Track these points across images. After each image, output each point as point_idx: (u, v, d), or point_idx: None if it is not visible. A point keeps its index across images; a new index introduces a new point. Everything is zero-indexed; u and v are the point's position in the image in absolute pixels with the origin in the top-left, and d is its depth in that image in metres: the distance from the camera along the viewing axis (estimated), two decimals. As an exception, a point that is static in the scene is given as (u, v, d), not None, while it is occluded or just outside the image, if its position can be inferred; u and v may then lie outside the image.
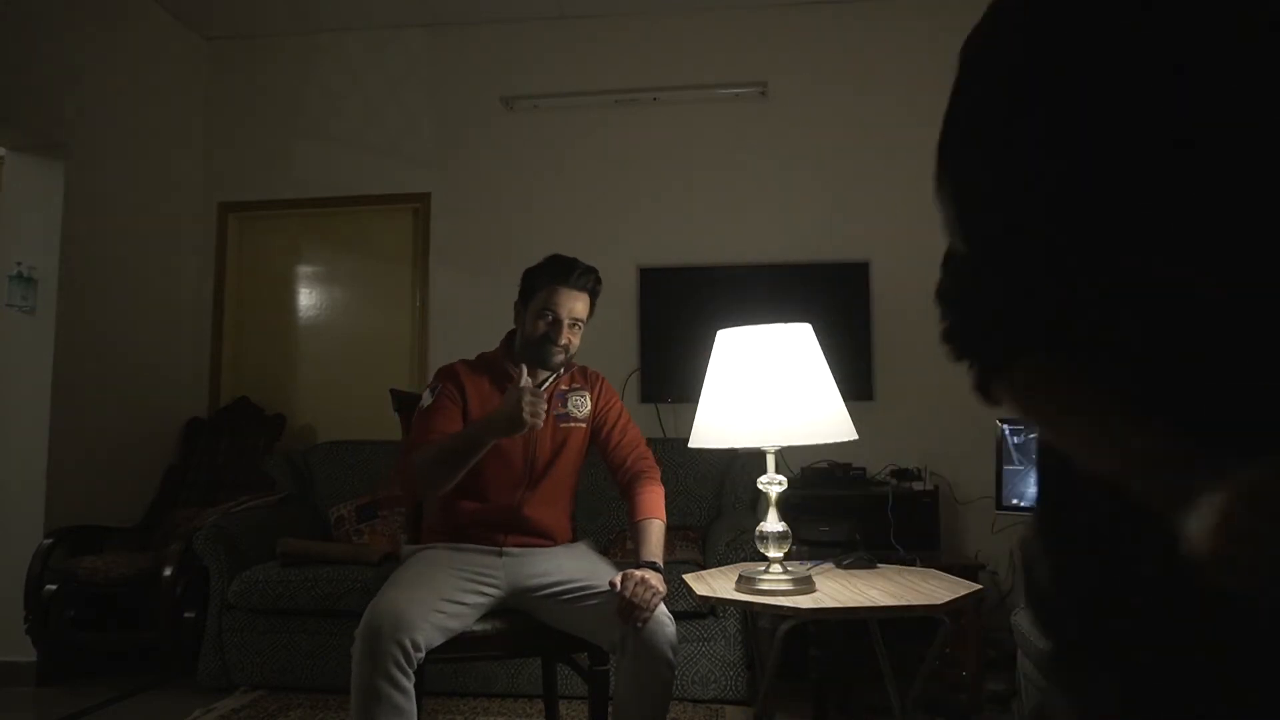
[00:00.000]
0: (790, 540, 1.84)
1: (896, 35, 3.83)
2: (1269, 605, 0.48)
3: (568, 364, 2.05)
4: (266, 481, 3.53)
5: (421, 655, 1.65)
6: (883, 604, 1.66)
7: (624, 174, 3.92)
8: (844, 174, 3.79)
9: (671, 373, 3.65)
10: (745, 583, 1.80)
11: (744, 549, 2.62)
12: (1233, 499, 0.47)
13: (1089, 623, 0.64)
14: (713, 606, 2.70)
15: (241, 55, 4.22)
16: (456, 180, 4.01)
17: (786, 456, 3.22)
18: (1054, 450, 0.68)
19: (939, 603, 1.66)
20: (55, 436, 3.23)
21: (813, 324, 1.90)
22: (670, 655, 1.71)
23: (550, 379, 2.03)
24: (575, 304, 1.95)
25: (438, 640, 1.71)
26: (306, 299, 4.15)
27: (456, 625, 1.76)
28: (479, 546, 1.93)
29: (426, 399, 1.97)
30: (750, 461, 3.10)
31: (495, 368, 2.04)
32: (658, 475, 2.02)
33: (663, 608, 1.75)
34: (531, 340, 1.96)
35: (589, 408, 2.05)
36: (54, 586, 3.05)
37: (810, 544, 2.93)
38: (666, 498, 2.02)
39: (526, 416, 1.69)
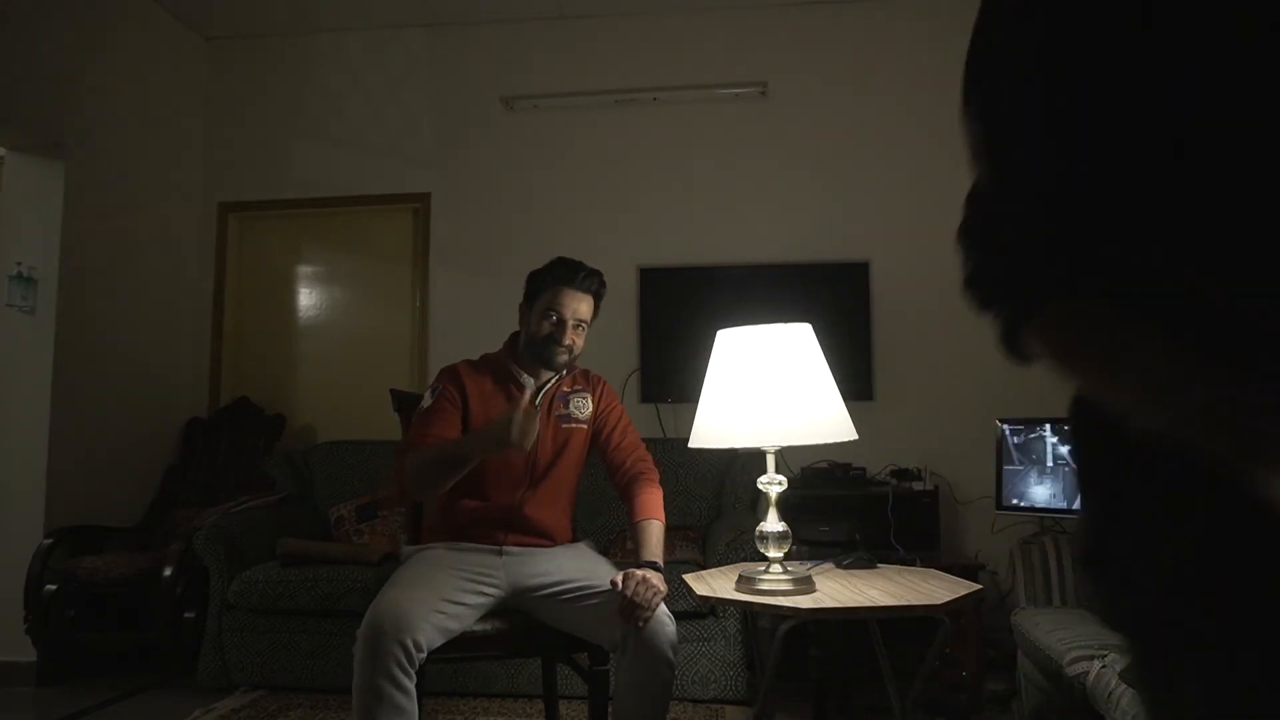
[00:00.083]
0: (790, 540, 1.84)
1: (896, 35, 3.83)
2: None
3: (571, 365, 2.06)
4: (266, 481, 3.53)
5: (423, 655, 1.66)
6: (883, 604, 1.66)
7: (624, 174, 3.92)
8: (844, 174, 3.79)
9: (671, 373, 3.66)
10: (745, 583, 1.80)
11: (744, 549, 2.62)
12: None
13: (1175, 614, 0.55)
14: (713, 606, 2.70)
15: (241, 55, 4.22)
16: (456, 180, 4.01)
17: (786, 456, 3.22)
18: (1095, 415, 0.59)
19: (939, 603, 1.66)
20: (55, 436, 3.23)
21: (813, 324, 1.90)
22: (670, 655, 1.72)
23: (553, 380, 2.04)
24: (580, 305, 1.97)
25: (438, 641, 1.71)
26: (306, 299, 4.15)
27: (456, 626, 1.76)
28: (479, 546, 1.93)
29: (426, 400, 1.98)
30: (750, 461, 3.10)
31: (499, 368, 2.05)
32: (657, 477, 2.03)
33: (663, 607, 1.75)
34: (536, 340, 1.97)
35: (591, 409, 2.06)
36: (54, 586, 3.05)
37: (810, 544, 2.93)
38: (666, 498, 2.02)
39: (515, 437, 1.68)
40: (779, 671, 2.04)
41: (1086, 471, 0.64)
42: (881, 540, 3.02)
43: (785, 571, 1.80)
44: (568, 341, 1.96)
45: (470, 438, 1.83)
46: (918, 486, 3.28)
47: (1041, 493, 2.94)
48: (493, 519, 1.95)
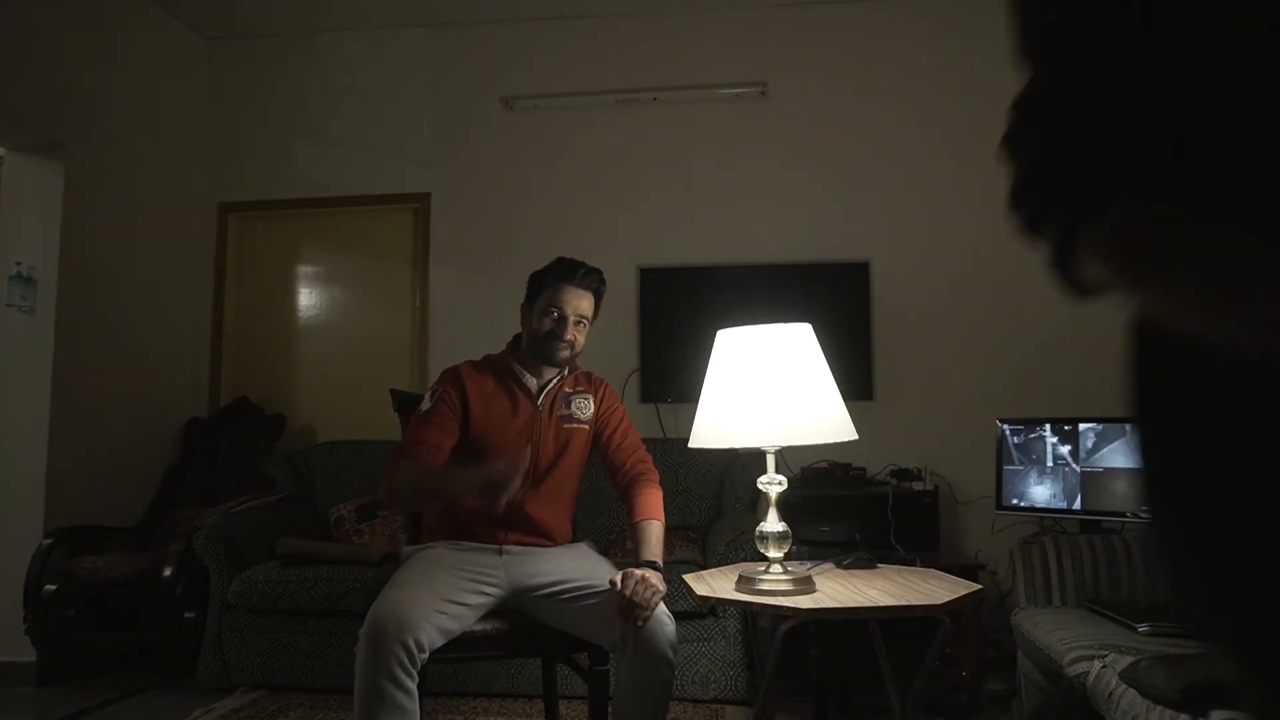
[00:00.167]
0: (790, 540, 1.84)
1: (896, 35, 3.83)
2: None
3: (573, 363, 2.07)
4: (266, 481, 3.53)
5: (425, 656, 1.66)
6: (883, 604, 1.66)
7: (624, 174, 3.92)
8: (844, 174, 3.79)
9: (671, 373, 3.66)
10: (745, 583, 1.80)
11: (744, 549, 2.62)
12: None
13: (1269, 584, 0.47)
14: (713, 606, 2.70)
15: (241, 55, 4.22)
16: (456, 180, 4.01)
17: (786, 456, 3.22)
18: (1163, 345, 0.52)
19: (939, 603, 1.66)
20: (55, 436, 3.23)
21: (813, 324, 1.90)
22: (670, 654, 1.72)
23: (556, 380, 2.04)
24: (580, 302, 1.99)
25: (440, 641, 1.71)
26: (306, 299, 4.15)
27: (457, 627, 1.77)
28: (479, 545, 1.93)
29: (425, 404, 1.99)
30: (750, 461, 3.11)
31: (501, 368, 2.06)
32: (656, 479, 2.04)
33: (663, 607, 1.75)
34: (537, 337, 1.99)
35: (592, 410, 2.07)
36: (54, 586, 3.05)
37: (810, 544, 2.93)
38: (666, 498, 2.03)
39: (501, 503, 1.66)
40: (779, 671, 2.04)
41: (1150, 416, 0.56)
42: (881, 540, 3.02)
43: (785, 571, 1.80)
44: (569, 337, 1.97)
45: (459, 479, 1.79)
46: (918, 486, 3.28)
47: (1041, 493, 2.94)
48: (494, 517, 1.95)
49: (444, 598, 1.75)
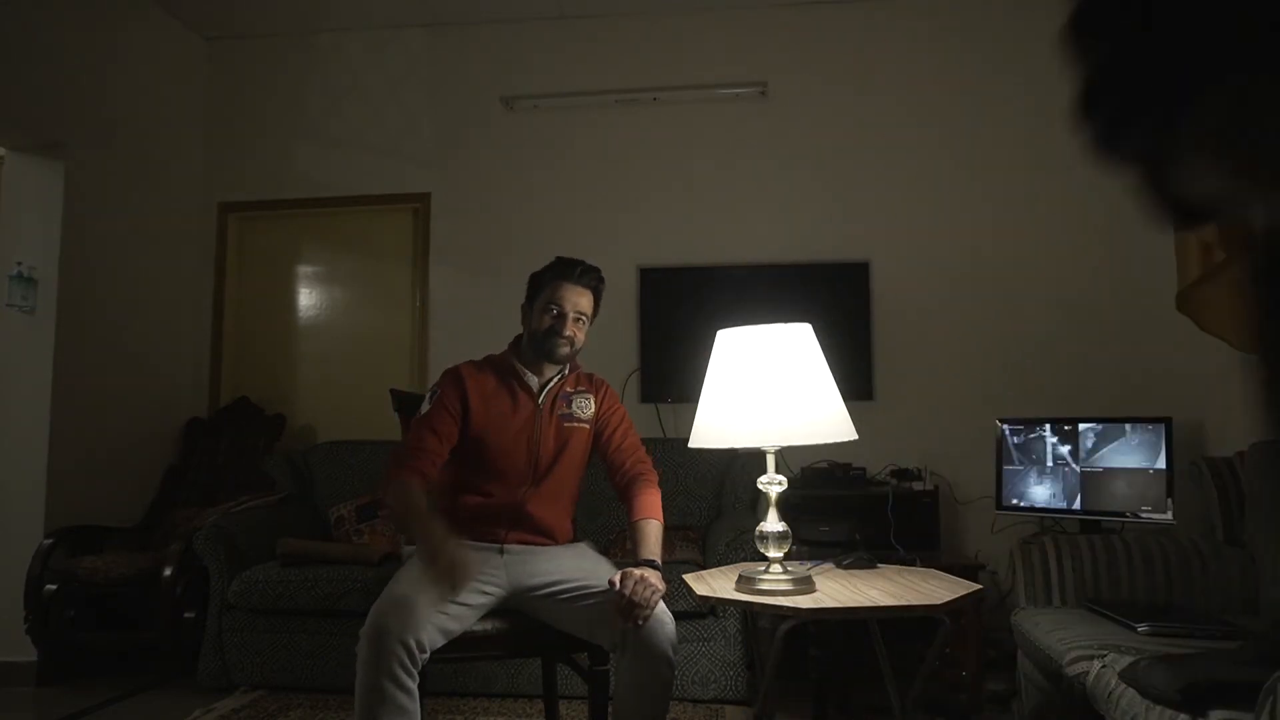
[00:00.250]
0: (790, 540, 1.84)
1: (896, 35, 3.83)
2: None
3: (574, 363, 2.08)
4: (266, 481, 3.53)
5: (426, 656, 1.66)
6: (883, 604, 1.66)
7: (624, 174, 3.92)
8: (844, 174, 3.79)
9: (671, 373, 3.66)
10: (745, 583, 1.80)
11: (744, 549, 2.62)
12: None
13: None
14: (713, 606, 2.70)
15: (241, 55, 4.22)
16: (456, 180, 4.01)
17: (786, 456, 3.22)
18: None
19: (939, 603, 1.66)
20: (55, 436, 3.23)
21: (813, 324, 1.90)
22: (670, 654, 1.72)
23: (557, 379, 2.05)
24: (579, 299, 2.00)
25: (440, 641, 1.71)
26: (306, 299, 4.15)
27: (457, 627, 1.77)
28: (480, 544, 1.93)
29: (424, 407, 1.99)
30: (750, 461, 3.11)
31: (502, 367, 2.07)
32: (655, 479, 2.04)
33: (662, 606, 1.75)
34: (537, 334, 2.00)
35: (593, 410, 2.08)
36: (54, 586, 3.05)
37: (810, 544, 2.93)
38: (666, 498, 2.04)
39: (446, 590, 1.67)
40: (779, 671, 2.03)
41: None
42: (881, 540, 3.02)
43: (785, 571, 1.80)
44: (568, 333, 1.98)
45: (426, 534, 1.76)
46: (918, 486, 3.28)
47: (1041, 493, 2.94)
48: (495, 516, 1.96)
49: (445, 597, 1.75)
